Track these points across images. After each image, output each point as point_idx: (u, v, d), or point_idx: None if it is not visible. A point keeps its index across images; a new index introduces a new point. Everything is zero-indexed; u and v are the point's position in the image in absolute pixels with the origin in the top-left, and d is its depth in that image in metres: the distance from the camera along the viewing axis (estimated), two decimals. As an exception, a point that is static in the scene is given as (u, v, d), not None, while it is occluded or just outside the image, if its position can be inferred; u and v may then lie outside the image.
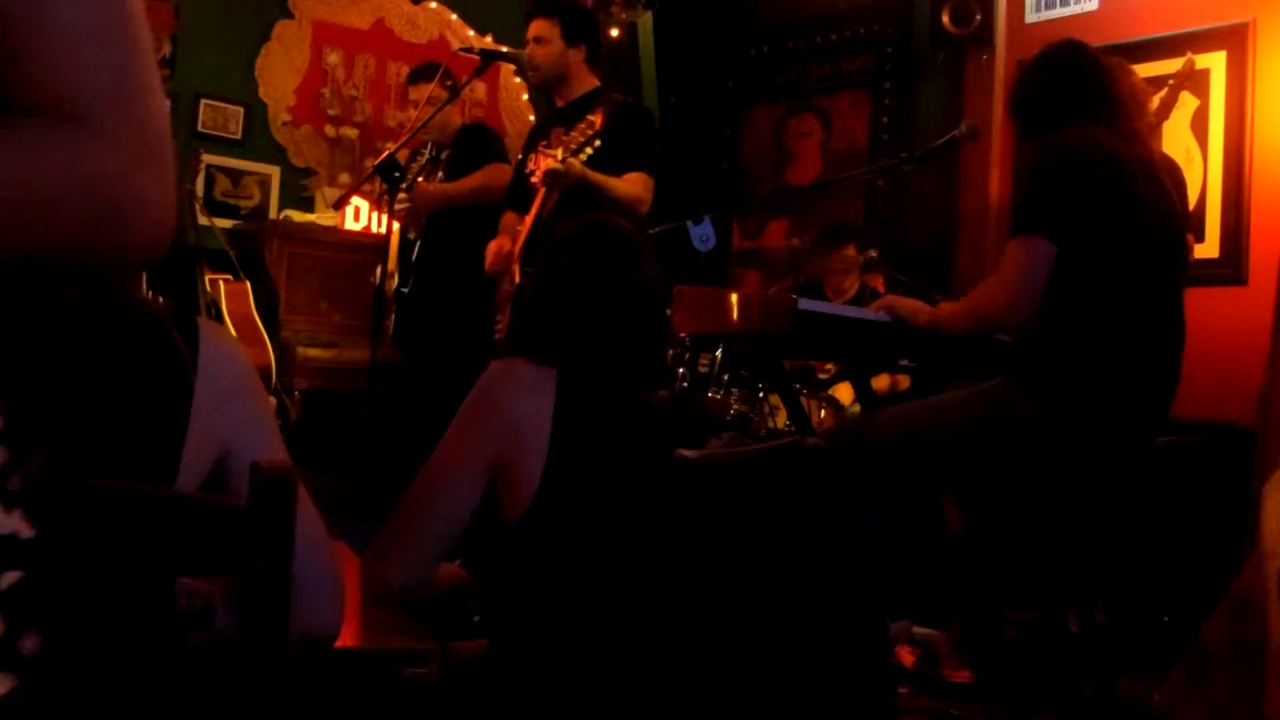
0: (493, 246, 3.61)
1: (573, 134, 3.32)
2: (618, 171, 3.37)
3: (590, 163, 3.30)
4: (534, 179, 3.52)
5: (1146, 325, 2.33)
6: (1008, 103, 2.57)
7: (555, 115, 3.73)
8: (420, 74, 4.29)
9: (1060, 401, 2.27)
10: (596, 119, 3.28)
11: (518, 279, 3.40)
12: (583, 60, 3.63)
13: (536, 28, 3.61)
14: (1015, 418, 2.29)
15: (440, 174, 4.22)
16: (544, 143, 3.62)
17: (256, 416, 1.09)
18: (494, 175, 4.03)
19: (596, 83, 3.67)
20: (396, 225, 4.30)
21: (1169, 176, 2.47)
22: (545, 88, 3.78)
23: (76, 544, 0.87)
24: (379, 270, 4.16)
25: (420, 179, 4.23)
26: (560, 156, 3.26)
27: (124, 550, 0.88)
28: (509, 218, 3.73)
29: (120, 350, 0.98)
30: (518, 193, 3.71)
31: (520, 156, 3.86)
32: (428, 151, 4.41)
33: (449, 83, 4.15)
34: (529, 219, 3.45)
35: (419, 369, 4.12)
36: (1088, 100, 2.38)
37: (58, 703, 0.92)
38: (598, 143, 3.28)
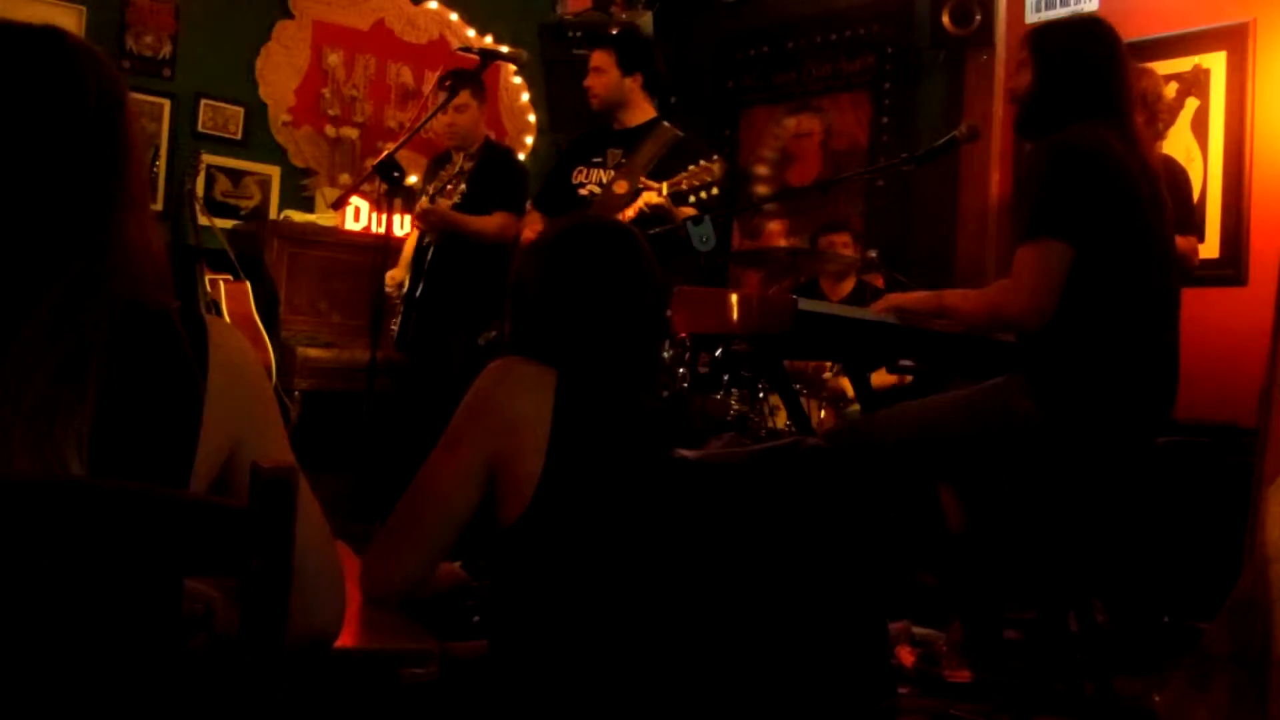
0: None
1: (684, 177, 3.38)
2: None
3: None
4: (584, 191, 3.65)
5: (1147, 328, 2.32)
6: (1018, 118, 2.54)
7: (612, 135, 3.81)
8: (460, 79, 4.27)
9: (1060, 401, 2.27)
10: (714, 167, 3.35)
11: None
12: (640, 87, 3.77)
13: (595, 59, 3.78)
14: (1016, 417, 2.29)
15: (463, 187, 4.22)
16: (597, 159, 3.74)
17: (264, 414, 1.09)
18: (504, 228, 4.11)
19: (654, 112, 3.80)
20: (408, 227, 4.35)
21: (1169, 178, 2.47)
22: (601, 113, 3.86)
23: (77, 543, 0.87)
24: (384, 270, 4.19)
25: (449, 185, 4.24)
26: (665, 192, 3.36)
27: (124, 550, 0.88)
28: (533, 218, 3.83)
29: (134, 351, 0.98)
30: (557, 199, 3.80)
31: (561, 162, 3.96)
32: (459, 160, 4.37)
33: (447, 82, 4.15)
34: None
35: (420, 372, 4.13)
36: (1099, 98, 2.36)
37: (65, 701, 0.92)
38: (715, 189, 3.35)
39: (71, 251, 0.99)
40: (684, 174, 3.38)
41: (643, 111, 3.79)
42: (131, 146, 1.06)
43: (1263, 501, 2.01)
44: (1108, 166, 2.26)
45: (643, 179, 3.56)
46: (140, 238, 1.04)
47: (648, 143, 3.58)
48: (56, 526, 0.85)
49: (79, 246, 0.99)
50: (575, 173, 3.80)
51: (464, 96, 4.18)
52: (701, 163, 3.38)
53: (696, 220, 2.97)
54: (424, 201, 4.26)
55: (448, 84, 4.14)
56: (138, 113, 1.10)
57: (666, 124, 3.71)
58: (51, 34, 1.06)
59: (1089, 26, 2.50)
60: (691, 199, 3.35)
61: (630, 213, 3.41)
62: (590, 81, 3.79)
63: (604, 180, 3.67)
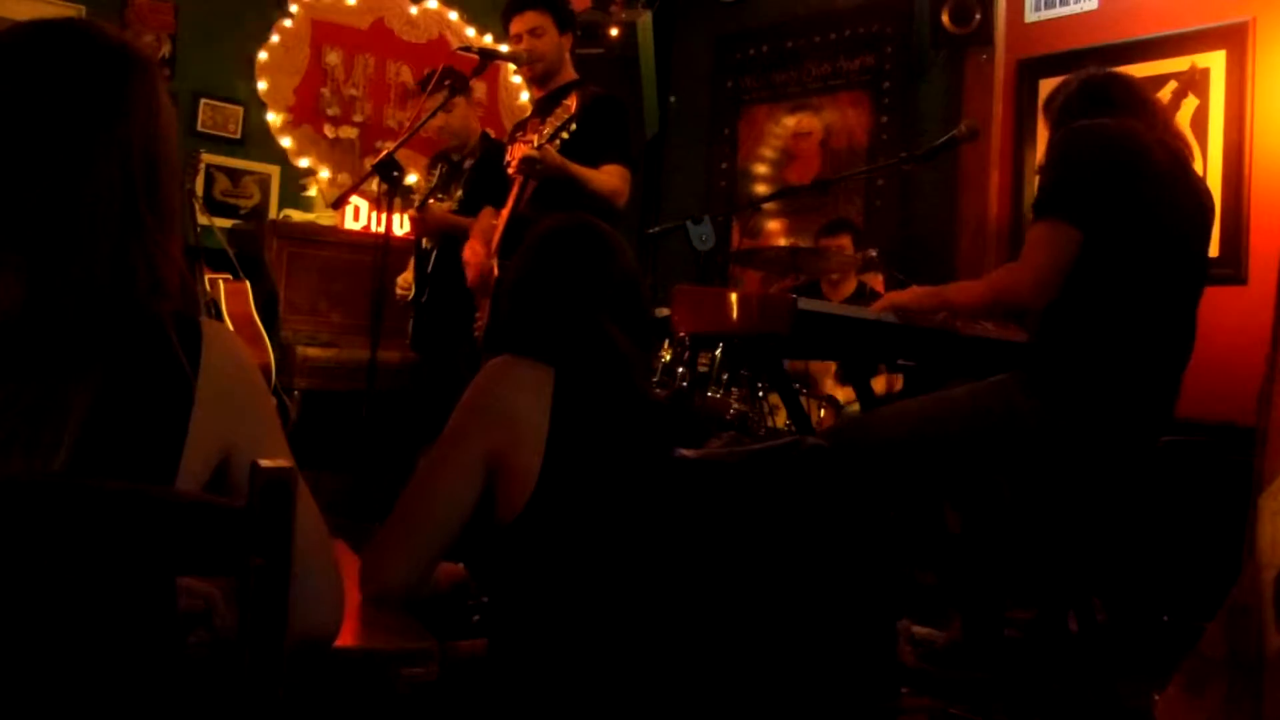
0: (468, 255, 3.60)
1: (549, 120, 3.26)
2: (594, 164, 3.34)
3: (565, 152, 3.27)
4: (510, 169, 3.49)
5: (1155, 326, 2.31)
6: (1043, 108, 2.55)
7: (536, 106, 3.70)
8: (428, 81, 4.26)
9: (1064, 400, 2.26)
10: (571, 104, 3.23)
11: (496, 273, 3.39)
12: (569, 50, 3.65)
13: (531, 20, 3.57)
14: (1018, 416, 2.28)
15: (460, 191, 4.19)
16: (521, 134, 3.60)
17: (259, 417, 1.09)
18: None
19: (575, 75, 3.67)
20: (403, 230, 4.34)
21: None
22: (538, 80, 3.69)
23: (76, 543, 0.87)
24: (384, 270, 4.17)
25: (433, 198, 4.23)
26: (536, 143, 3.21)
27: (124, 550, 0.88)
28: (487, 213, 3.71)
29: (123, 354, 0.98)
30: (500, 188, 3.64)
31: (503, 149, 3.81)
32: (439, 169, 4.38)
33: (448, 82, 4.14)
34: (505, 211, 3.42)
35: (435, 372, 4.13)
36: (1119, 100, 2.38)
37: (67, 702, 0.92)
38: (573, 127, 3.21)
39: (67, 255, 0.98)
40: (551, 118, 3.24)
41: (566, 75, 3.63)
42: (137, 150, 1.04)
43: (1257, 509, 2.01)
44: (1127, 151, 2.26)
45: (519, 136, 3.41)
46: (140, 241, 1.03)
47: (565, 101, 3.39)
48: (54, 526, 0.85)
49: (74, 250, 0.99)
50: (507, 154, 3.62)
51: (448, 97, 4.10)
52: (564, 103, 3.22)
53: (696, 220, 2.96)
54: (411, 211, 4.24)
55: (435, 86, 4.08)
56: (160, 120, 1.07)
57: (591, 85, 3.58)
58: (62, 30, 1.05)
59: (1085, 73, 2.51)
60: (556, 141, 3.22)
61: (511, 170, 3.29)
62: (532, 44, 3.56)
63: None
